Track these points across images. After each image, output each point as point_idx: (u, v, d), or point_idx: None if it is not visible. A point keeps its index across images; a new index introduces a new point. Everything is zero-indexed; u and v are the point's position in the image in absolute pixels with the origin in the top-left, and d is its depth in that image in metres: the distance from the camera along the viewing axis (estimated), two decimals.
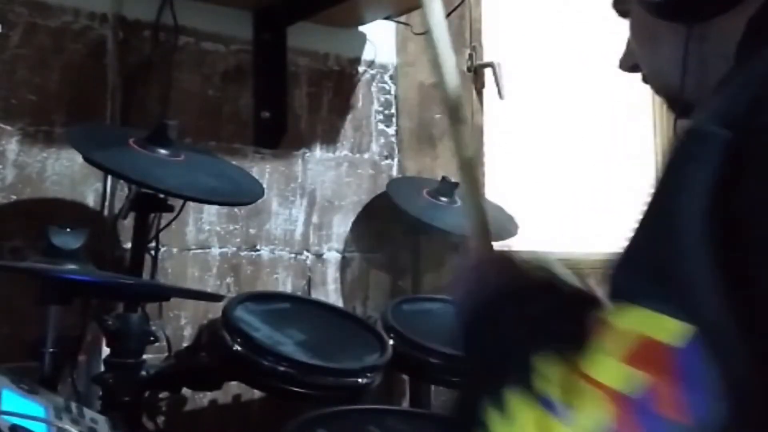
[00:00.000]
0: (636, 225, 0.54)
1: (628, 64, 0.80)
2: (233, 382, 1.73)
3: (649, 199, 0.54)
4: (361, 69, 2.20)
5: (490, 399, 0.55)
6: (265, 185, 1.86)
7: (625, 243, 0.53)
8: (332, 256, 2.10)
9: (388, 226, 2.17)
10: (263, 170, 1.99)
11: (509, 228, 2.18)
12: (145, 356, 1.52)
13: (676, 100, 0.75)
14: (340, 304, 2.07)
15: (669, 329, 0.47)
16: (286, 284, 2.01)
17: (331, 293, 2.08)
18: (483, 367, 0.62)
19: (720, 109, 0.54)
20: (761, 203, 0.50)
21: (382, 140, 2.23)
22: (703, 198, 0.50)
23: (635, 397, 0.47)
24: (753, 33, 0.64)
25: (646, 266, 0.51)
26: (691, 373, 0.46)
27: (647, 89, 0.82)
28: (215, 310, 1.62)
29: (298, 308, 1.75)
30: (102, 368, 1.54)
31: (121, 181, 1.73)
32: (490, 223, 0.81)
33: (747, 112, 0.52)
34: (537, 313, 0.62)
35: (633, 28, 0.77)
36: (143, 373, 1.50)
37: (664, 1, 0.70)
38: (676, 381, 0.46)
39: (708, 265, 0.48)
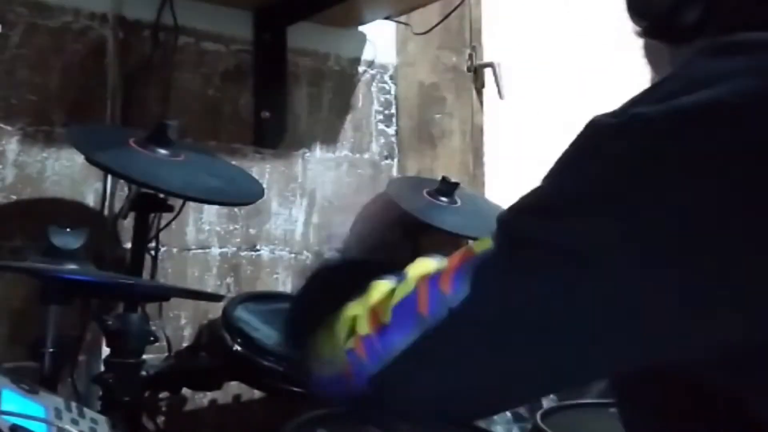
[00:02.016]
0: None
1: None
2: (233, 382, 1.73)
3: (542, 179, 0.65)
4: (361, 69, 2.20)
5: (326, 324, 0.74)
6: (265, 185, 1.86)
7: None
8: (332, 256, 2.10)
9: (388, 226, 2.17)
10: (263, 170, 1.99)
11: None
12: (145, 356, 1.52)
13: None
14: None
15: (483, 245, 0.64)
16: (286, 284, 2.01)
17: None
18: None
19: (623, 104, 0.62)
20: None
21: (382, 140, 2.24)
22: (574, 175, 0.61)
23: (434, 275, 0.66)
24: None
25: (510, 209, 0.65)
26: (467, 269, 0.63)
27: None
28: (215, 310, 1.62)
29: None
30: (102, 368, 1.54)
31: (121, 181, 1.73)
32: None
33: (629, 104, 0.61)
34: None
35: (644, 52, 0.83)
36: (143, 373, 1.50)
37: (649, 24, 0.76)
38: (458, 270, 0.64)
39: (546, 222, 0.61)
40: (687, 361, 0.60)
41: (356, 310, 0.71)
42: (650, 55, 0.82)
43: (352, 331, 0.71)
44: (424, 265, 0.70)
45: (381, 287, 0.71)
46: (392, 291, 0.70)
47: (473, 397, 0.68)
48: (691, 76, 0.59)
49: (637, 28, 0.78)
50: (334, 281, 0.85)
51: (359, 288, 0.73)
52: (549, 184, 0.62)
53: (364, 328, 0.70)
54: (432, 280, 0.66)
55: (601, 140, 0.60)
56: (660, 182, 0.56)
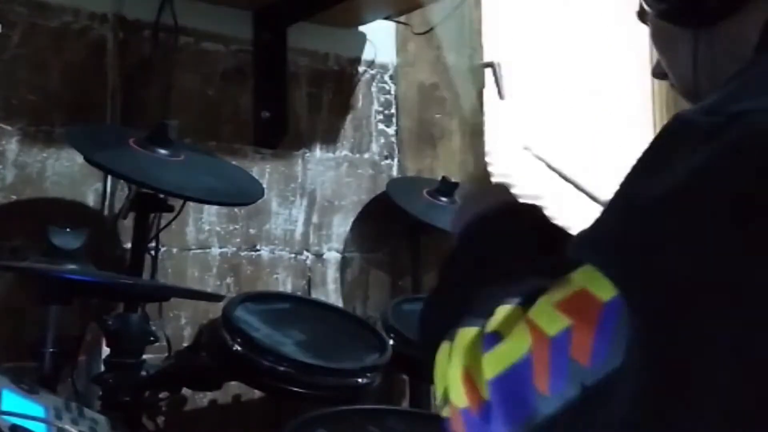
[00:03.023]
0: (609, 200, 0.56)
1: (658, 71, 0.83)
2: (233, 382, 1.73)
3: (626, 173, 0.56)
4: (361, 69, 2.20)
5: (449, 331, 0.59)
6: (265, 185, 1.87)
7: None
8: (332, 256, 2.10)
9: (388, 226, 2.17)
10: (263, 170, 1.99)
11: None
12: (145, 356, 1.52)
13: (696, 102, 0.77)
14: (340, 304, 2.07)
15: (604, 288, 0.50)
16: (286, 284, 2.01)
17: (331, 293, 2.08)
18: (452, 298, 0.66)
19: (706, 103, 0.56)
20: (721, 184, 0.50)
21: (382, 140, 2.23)
22: (670, 181, 0.52)
23: (555, 336, 0.51)
24: (764, 38, 0.65)
25: (606, 234, 0.54)
26: (606, 326, 0.49)
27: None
28: (215, 310, 1.62)
29: (298, 308, 1.75)
30: (102, 368, 1.54)
31: (121, 181, 1.73)
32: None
33: (725, 102, 0.54)
34: (512, 251, 0.66)
35: (653, 36, 0.80)
36: (143, 373, 1.50)
37: (669, 7, 0.72)
38: (592, 329, 0.50)
39: (657, 242, 0.51)
40: None
41: (448, 368, 0.58)
42: (661, 38, 0.78)
43: (446, 396, 0.58)
44: (514, 314, 0.55)
45: (467, 334, 0.57)
46: (480, 340, 0.55)
47: None
48: None
49: (652, 11, 0.75)
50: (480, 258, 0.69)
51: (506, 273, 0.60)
52: (637, 194, 0.53)
53: (460, 399, 0.56)
54: (556, 343, 0.51)
55: (690, 144, 0.52)
56: None
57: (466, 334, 0.57)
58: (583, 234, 0.56)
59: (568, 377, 0.50)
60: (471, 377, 0.55)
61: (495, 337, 0.54)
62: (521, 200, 0.79)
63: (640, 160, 0.55)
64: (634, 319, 0.48)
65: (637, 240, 0.51)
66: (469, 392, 0.55)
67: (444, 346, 0.59)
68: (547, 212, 0.75)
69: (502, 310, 0.56)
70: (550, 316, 0.52)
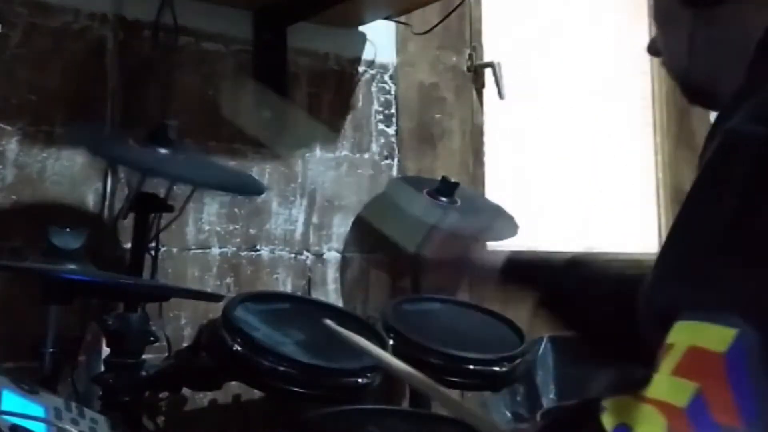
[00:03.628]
0: (672, 234, 0.54)
1: (654, 48, 0.84)
2: (233, 382, 1.73)
3: (685, 206, 0.54)
4: (361, 69, 2.20)
5: None
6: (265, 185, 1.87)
7: (662, 253, 0.54)
8: (332, 256, 2.10)
9: None
10: (263, 170, 1.99)
11: (509, 228, 2.18)
12: (145, 356, 1.52)
13: (686, 82, 0.79)
14: (340, 304, 2.07)
15: (713, 337, 0.47)
16: (286, 284, 2.01)
17: (331, 293, 2.08)
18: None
19: (756, 110, 0.55)
20: None
21: (382, 140, 2.23)
22: (739, 200, 0.50)
23: (687, 405, 0.47)
24: None
25: (685, 278, 0.51)
26: (738, 376, 0.46)
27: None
28: (215, 310, 1.62)
29: (298, 308, 1.75)
30: (102, 368, 1.54)
31: (122, 181, 1.73)
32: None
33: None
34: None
35: (654, 12, 0.81)
36: (143, 373, 1.50)
37: None
38: (725, 385, 0.46)
39: (745, 269, 0.49)
40: None
41: None
42: (661, 14, 0.79)
43: None
44: (629, 402, 0.51)
45: None
46: None
47: None
48: None
49: None
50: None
51: None
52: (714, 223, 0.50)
53: None
54: (692, 411, 0.47)
55: (753, 158, 0.50)
56: None
57: None
58: (665, 287, 0.52)
59: None
60: None
61: (622, 429, 0.50)
62: None
63: (700, 182, 0.53)
64: None
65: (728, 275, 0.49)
66: None
67: None
68: None
69: (613, 403, 0.52)
70: (672, 387, 0.48)
